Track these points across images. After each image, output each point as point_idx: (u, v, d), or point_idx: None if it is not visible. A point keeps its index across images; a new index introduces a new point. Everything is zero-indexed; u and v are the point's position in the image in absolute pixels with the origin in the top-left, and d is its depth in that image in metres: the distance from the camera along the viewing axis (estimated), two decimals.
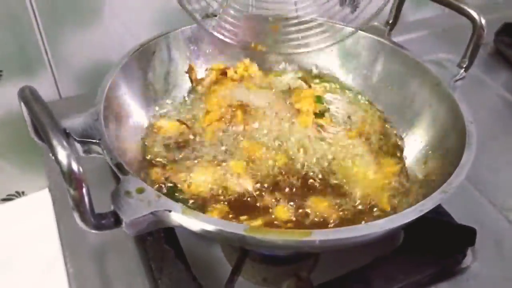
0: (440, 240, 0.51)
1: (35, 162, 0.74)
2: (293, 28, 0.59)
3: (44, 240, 0.67)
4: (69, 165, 0.31)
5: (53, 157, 0.32)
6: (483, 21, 0.51)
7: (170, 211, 0.36)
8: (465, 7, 0.52)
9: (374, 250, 0.51)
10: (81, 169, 0.32)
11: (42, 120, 0.34)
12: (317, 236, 0.35)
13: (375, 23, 0.61)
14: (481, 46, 0.85)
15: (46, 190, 0.76)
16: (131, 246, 0.52)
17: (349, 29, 0.60)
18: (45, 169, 0.61)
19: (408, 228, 0.52)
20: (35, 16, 0.63)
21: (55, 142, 0.32)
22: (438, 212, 0.54)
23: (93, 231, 0.34)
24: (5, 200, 0.77)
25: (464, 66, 0.54)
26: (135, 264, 0.51)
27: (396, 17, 0.60)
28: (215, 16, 0.75)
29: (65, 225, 0.54)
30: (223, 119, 0.55)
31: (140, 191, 0.37)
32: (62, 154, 0.31)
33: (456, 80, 0.52)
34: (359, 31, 0.60)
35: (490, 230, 0.55)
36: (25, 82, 0.65)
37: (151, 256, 0.49)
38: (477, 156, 0.63)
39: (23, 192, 0.77)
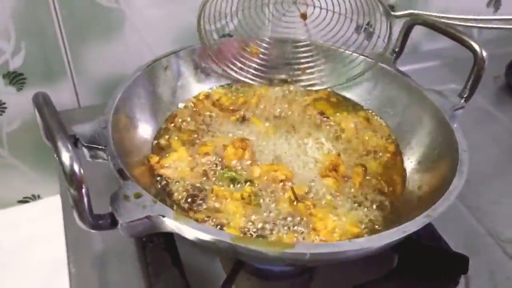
0: (433, 266, 0.52)
1: (52, 168, 0.77)
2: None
3: (53, 242, 0.69)
4: (71, 166, 0.34)
5: (57, 158, 0.34)
6: (484, 53, 0.52)
7: (163, 216, 0.38)
8: (467, 39, 0.53)
9: (368, 272, 0.52)
10: (82, 171, 0.34)
11: (50, 124, 0.36)
12: (300, 248, 0.36)
13: (381, 51, 0.62)
14: (492, 79, 0.87)
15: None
16: (132, 251, 0.54)
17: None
18: (57, 174, 0.64)
19: (403, 252, 0.53)
20: (60, 29, 0.66)
21: (59, 144, 0.34)
22: (434, 239, 0.55)
23: (90, 230, 0.37)
24: (21, 202, 0.80)
25: (465, 96, 0.55)
26: (134, 268, 0.53)
27: (403, 46, 0.62)
28: (231, 36, 0.79)
29: (71, 228, 0.57)
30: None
31: (138, 196, 0.39)
32: (66, 156, 0.34)
33: (455, 110, 0.54)
34: (366, 57, 0.62)
35: (485, 260, 0.56)
36: (47, 90, 0.68)
37: (149, 261, 0.51)
38: (480, 187, 0.65)
39: (38, 196, 0.81)
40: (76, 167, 0.34)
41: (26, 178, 0.78)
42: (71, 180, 0.34)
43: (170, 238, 0.53)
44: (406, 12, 0.58)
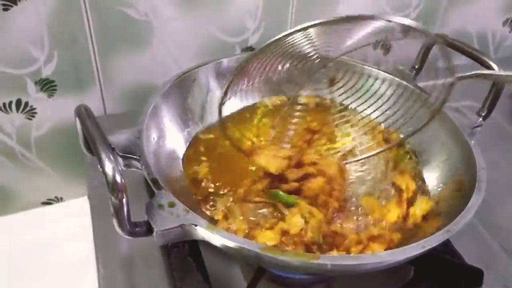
0: (448, 279, 0.53)
1: (76, 171, 0.80)
2: None
3: (76, 243, 0.72)
4: (114, 176, 0.36)
5: (100, 168, 0.37)
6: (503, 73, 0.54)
7: (196, 225, 0.40)
8: (486, 59, 0.55)
9: (385, 283, 0.54)
10: (123, 181, 0.36)
11: (93, 135, 0.39)
12: (325, 260, 0.38)
13: (401, 67, 0.64)
14: (508, 97, 0.88)
15: (83, 198, 0.82)
16: (157, 256, 0.56)
17: None
18: (86, 179, 0.67)
19: (418, 265, 0.55)
20: (91, 39, 0.69)
21: (103, 156, 0.37)
22: (449, 252, 0.57)
23: (127, 237, 0.39)
24: (44, 203, 0.82)
25: (483, 114, 0.56)
26: (159, 273, 0.55)
27: (422, 63, 0.63)
28: (253, 49, 0.81)
29: (100, 231, 0.59)
30: None
31: (171, 205, 0.41)
32: (109, 167, 0.36)
33: (473, 128, 0.55)
34: (385, 73, 0.64)
35: (499, 275, 0.57)
36: (75, 97, 0.73)
37: (175, 266, 0.53)
38: (495, 204, 0.66)
39: (61, 198, 0.83)
40: (118, 177, 0.36)
41: (50, 180, 0.80)
42: (113, 189, 0.36)
43: (195, 244, 0.55)
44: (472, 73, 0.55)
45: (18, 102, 0.70)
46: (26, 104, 0.71)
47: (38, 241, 0.75)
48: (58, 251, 0.74)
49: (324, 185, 0.52)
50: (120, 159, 0.47)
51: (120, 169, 0.37)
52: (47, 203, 0.83)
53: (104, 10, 0.68)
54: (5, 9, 0.62)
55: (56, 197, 0.83)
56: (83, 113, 0.41)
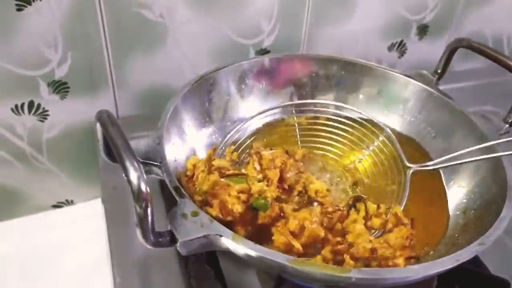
0: None
1: (87, 174, 0.79)
2: None
3: (87, 247, 0.71)
4: (139, 185, 0.35)
5: (125, 177, 0.35)
6: None
7: (221, 236, 0.39)
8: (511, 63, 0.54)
9: None
10: (148, 190, 0.35)
11: (117, 143, 0.37)
12: (356, 273, 0.37)
13: (424, 72, 0.63)
14: None
15: (94, 201, 0.81)
16: (174, 263, 0.55)
17: None
18: (100, 182, 0.66)
19: (442, 274, 0.53)
20: (106, 41, 0.68)
21: (128, 164, 0.35)
22: (473, 262, 0.55)
23: (151, 247, 0.38)
24: (55, 206, 0.81)
25: (510, 121, 0.55)
26: (176, 280, 0.54)
27: (445, 67, 0.62)
28: (268, 52, 0.80)
29: (115, 236, 0.58)
30: None
31: (195, 214, 0.40)
32: (134, 175, 0.35)
33: (501, 134, 0.54)
34: (407, 77, 0.62)
35: None
36: (88, 99, 0.72)
37: (192, 274, 0.52)
38: None
39: (72, 201, 0.82)
40: (143, 186, 0.35)
41: (61, 183, 0.79)
42: (138, 198, 0.35)
43: (212, 252, 0.54)
44: None
45: (31, 104, 0.69)
46: (39, 106, 0.70)
47: (48, 244, 0.74)
48: (69, 255, 0.73)
49: None
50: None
51: (145, 177, 0.35)
52: (58, 206, 0.82)
53: (119, 11, 0.66)
54: (19, 10, 0.61)
55: (67, 200, 0.82)
56: (105, 119, 0.40)
